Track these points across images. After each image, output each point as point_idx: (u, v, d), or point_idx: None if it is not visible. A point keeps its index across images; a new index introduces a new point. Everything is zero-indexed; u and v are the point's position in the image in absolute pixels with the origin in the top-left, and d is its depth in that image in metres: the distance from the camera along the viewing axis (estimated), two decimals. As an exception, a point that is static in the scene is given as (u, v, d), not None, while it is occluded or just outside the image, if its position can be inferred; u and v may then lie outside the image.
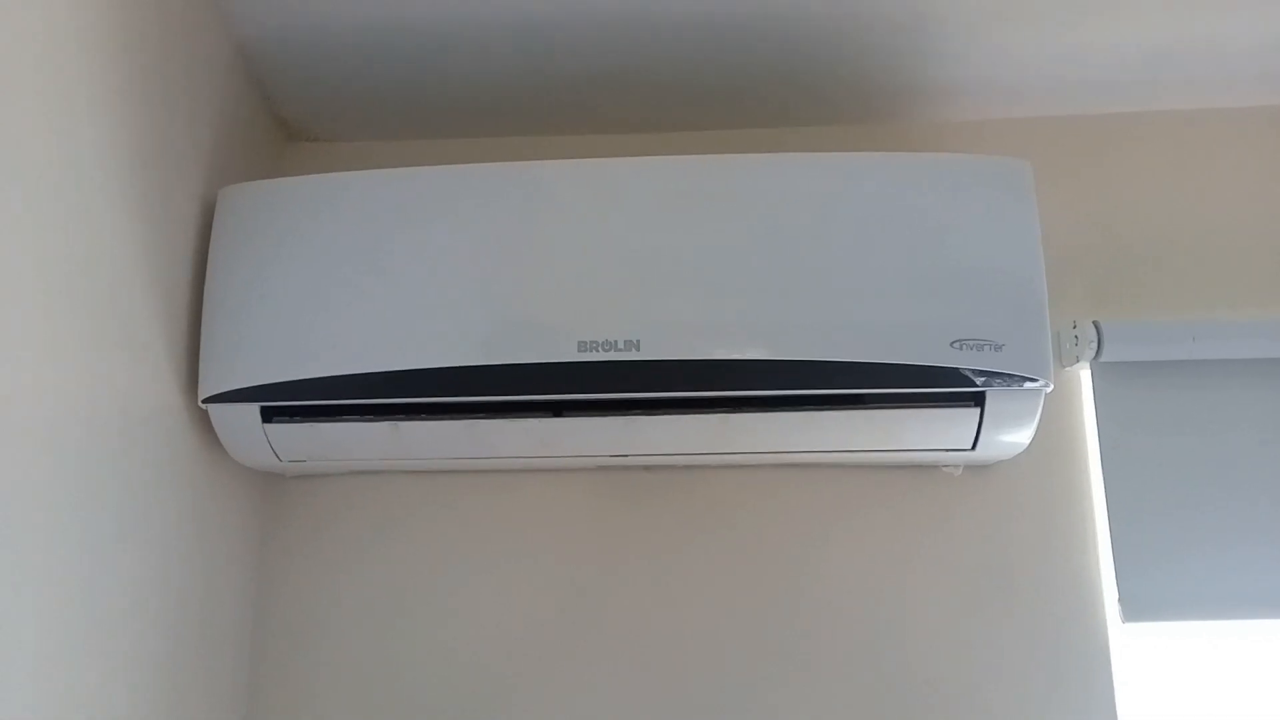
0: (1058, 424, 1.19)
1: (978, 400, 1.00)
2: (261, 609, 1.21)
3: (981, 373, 0.97)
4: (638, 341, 0.98)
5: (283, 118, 1.32)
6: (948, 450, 1.07)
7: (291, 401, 1.03)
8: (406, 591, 1.21)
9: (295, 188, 1.09)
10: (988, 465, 1.19)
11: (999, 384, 0.98)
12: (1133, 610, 1.11)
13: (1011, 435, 1.04)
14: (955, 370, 0.97)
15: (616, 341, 0.98)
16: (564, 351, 0.99)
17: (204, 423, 1.06)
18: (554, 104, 1.30)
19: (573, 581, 1.20)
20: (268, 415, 1.04)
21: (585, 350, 0.98)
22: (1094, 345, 1.13)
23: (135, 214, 0.96)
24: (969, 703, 1.13)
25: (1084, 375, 1.21)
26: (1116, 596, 1.12)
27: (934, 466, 1.20)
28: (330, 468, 1.21)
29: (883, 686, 1.14)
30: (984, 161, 1.05)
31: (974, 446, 1.05)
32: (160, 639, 1.00)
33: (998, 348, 0.97)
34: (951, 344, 0.97)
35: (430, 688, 1.17)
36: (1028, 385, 0.98)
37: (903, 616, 1.16)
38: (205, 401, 1.02)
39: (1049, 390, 0.99)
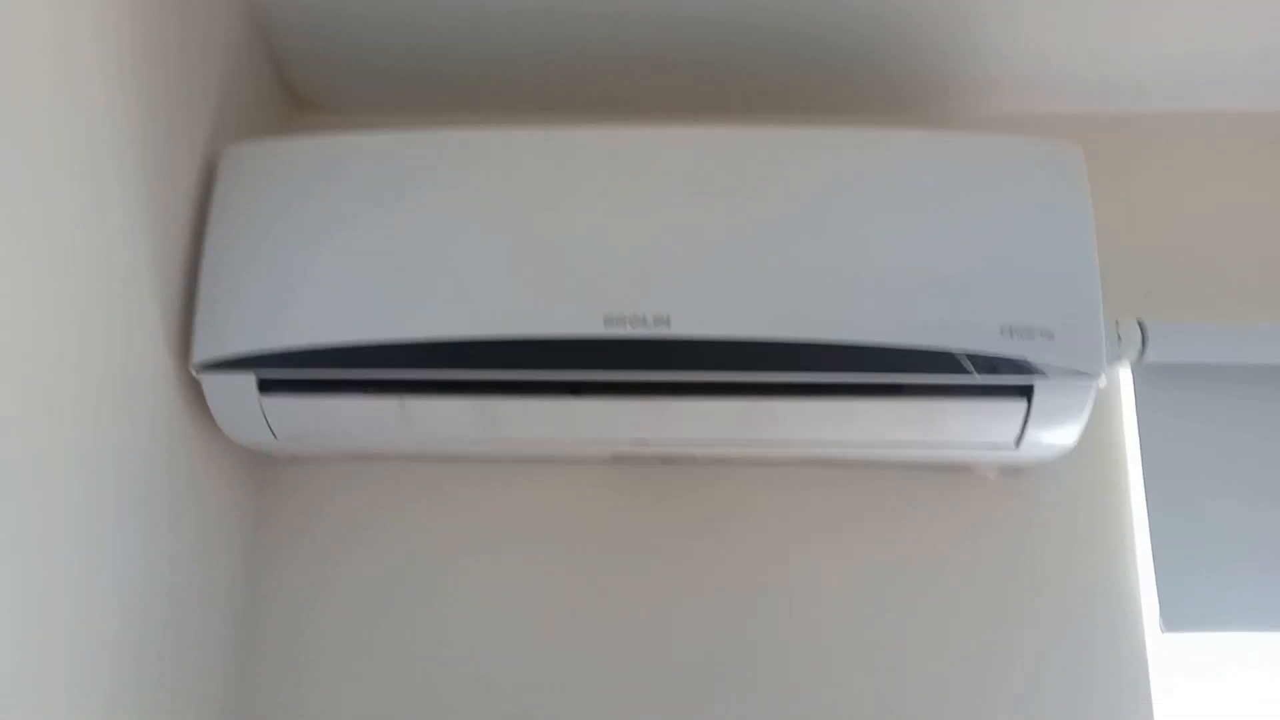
0: (1096, 427, 1.13)
1: (1025, 393, 0.94)
2: (253, 597, 1.14)
3: (1031, 364, 0.91)
4: (668, 317, 0.92)
5: (293, 85, 1.26)
6: (989, 446, 1.01)
7: (291, 372, 0.96)
8: (404, 583, 1.13)
9: (303, 149, 1.02)
10: (1023, 469, 1.13)
11: (1049, 376, 0.92)
12: (1173, 620, 1.06)
13: (1057, 433, 0.98)
14: (1003, 359, 0.91)
15: (645, 316, 0.92)
16: (589, 326, 0.92)
17: (196, 394, 0.99)
18: (576, 85, 1.25)
19: (582, 578, 1.13)
20: (265, 386, 0.97)
21: (612, 325, 0.92)
22: (1138, 345, 1.08)
23: (137, 169, 0.90)
24: (1002, 716, 1.06)
25: (1124, 376, 1.15)
26: (1157, 606, 1.06)
27: (968, 469, 1.14)
28: (327, 450, 1.14)
29: (909, 697, 1.07)
30: (1034, 144, 0.99)
31: (1017, 444, 0.99)
32: (145, 626, 0.93)
33: (1049, 336, 0.92)
34: (1000, 330, 0.92)
35: (426, 682, 1.10)
36: (1080, 380, 0.92)
37: (932, 623, 1.09)
38: (199, 369, 0.95)
39: (1102, 385, 0.93)
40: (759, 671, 1.09)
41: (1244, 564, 1.07)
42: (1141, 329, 1.08)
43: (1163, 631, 1.06)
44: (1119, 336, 1.09)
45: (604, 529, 1.14)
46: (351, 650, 1.11)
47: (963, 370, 0.92)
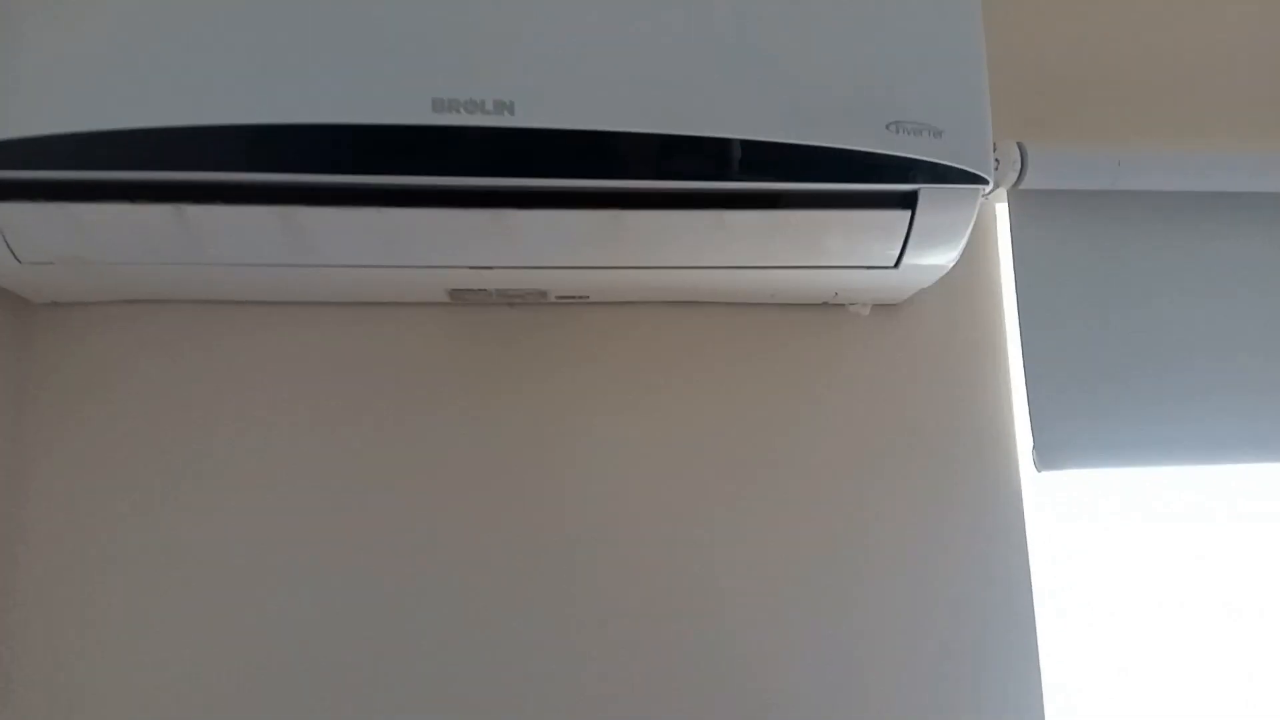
0: (970, 261, 1.07)
1: (909, 203, 0.85)
2: (16, 469, 0.94)
3: (918, 163, 0.82)
4: (511, 104, 0.77)
5: None
6: (868, 268, 0.92)
7: (32, 173, 0.76)
8: (197, 454, 0.96)
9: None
10: (896, 305, 1.06)
11: (935, 181, 0.83)
12: (1048, 458, 1.02)
13: (939, 251, 0.90)
14: (889, 160, 0.82)
15: (484, 102, 0.77)
16: (415, 111, 0.76)
17: (-97, 204, 0.77)
18: None
19: (416, 435, 0.98)
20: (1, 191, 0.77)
21: (442, 111, 0.76)
22: (1016, 168, 1.01)
23: None
24: (875, 553, 1.01)
25: (1000, 210, 1.10)
26: (1031, 444, 1.02)
27: (840, 307, 1.06)
28: (97, 289, 0.94)
29: (778, 539, 1.00)
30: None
31: (897, 263, 0.91)
32: None
33: (936, 134, 0.82)
34: (887, 126, 0.82)
35: (223, 549, 0.94)
36: (965, 188, 0.84)
37: (803, 465, 1.02)
38: (-98, 165, 0.74)
39: (988, 193, 0.85)
40: (621, 527, 0.98)
41: (1120, 400, 1.04)
42: (1021, 151, 1.01)
43: (1038, 470, 1.02)
44: (996, 160, 1.03)
45: (442, 379, 1.00)
46: (132, 538, 0.93)
47: (845, 175, 0.82)
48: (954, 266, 0.99)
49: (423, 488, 0.97)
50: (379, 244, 0.84)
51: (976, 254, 1.08)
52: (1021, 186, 1.02)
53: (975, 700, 0.99)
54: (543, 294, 0.98)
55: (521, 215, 0.82)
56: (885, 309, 1.06)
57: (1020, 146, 1.01)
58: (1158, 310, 1.07)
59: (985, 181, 0.84)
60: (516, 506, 0.98)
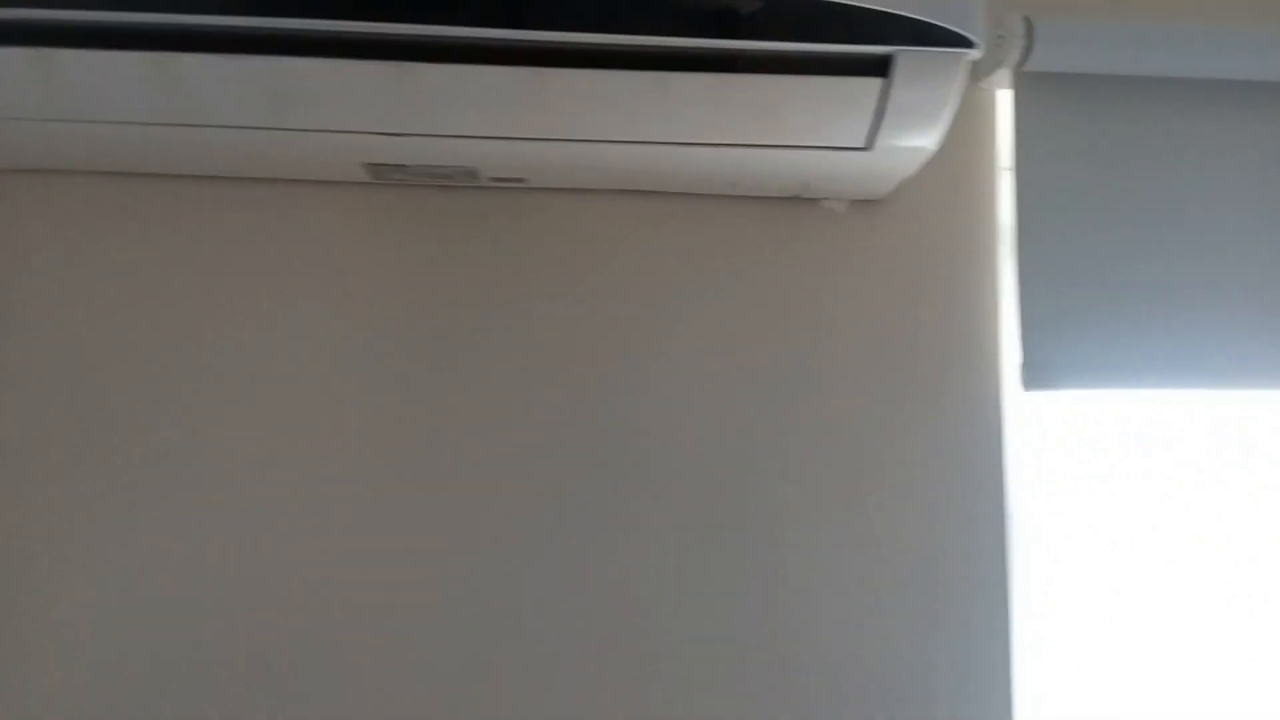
0: (962, 155, 0.95)
1: (883, 68, 0.73)
2: None
3: (894, 19, 0.70)
4: (412, -73, 0.66)
5: None
6: (837, 149, 0.81)
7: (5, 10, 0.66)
8: (91, 349, 0.87)
9: None
10: (876, 202, 0.95)
11: (914, 43, 0.71)
12: (1037, 377, 0.91)
13: (919, 129, 0.78)
14: (860, 14, 0.70)
15: (379, -68, 0.66)
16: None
17: None
18: None
19: (333, 331, 0.89)
20: None
21: (332, -59, 0.66)
22: (1021, 45, 0.88)
23: None
24: (844, 465, 0.91)
25: (1001, 98, 0.97)
26: (1019, 360, 0.91)
27: (813, 203, 0.94)
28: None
29: (745, 452, 0.90)
30: None
31: (870, 143, 0.79)
32: None
33: (917, -15, 0.71)
34: (856, -27, 0.70)
35: (123, 435, 0.86)
36: (948, 52, 0.72)
37: (768, 373, 0.92)
38: None
39: (976, 58, 0.73)
40: (580, 442, 0.89)
41: (1122, 316, 0.92)
42: (1028, 26, 0.88)
43: (1024, 390, 0.91)
44: (999, 37, 0.90)
45: (363, 265, 0.90)
46: (37, 429, 0.86)
47: (808, 33, 0.70)
48: (945, 160, 0.88)
49: (342, 375, 0.89)
50: (266, 102, 0.74)
51: (970, 146, 0.96)
52: (1026, 67, 0.89)
53: (944, 617, 0.90)
54: (473, 174, 0.87)
55: (430, 71, 0.71)
56: (864, 206, 0.94)
57: (1027, 20, 0.88)
58: (1175, 218, 0.94)
59: (972, 45, 0.72)
60: (444, 408, 0.89)
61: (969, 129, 0.95)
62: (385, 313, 0.90)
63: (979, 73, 0.93)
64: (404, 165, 0.85)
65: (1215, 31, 0.90)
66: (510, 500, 0.88)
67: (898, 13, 0.70)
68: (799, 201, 0.94)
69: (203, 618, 0.85)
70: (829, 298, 0.93)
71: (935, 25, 0.71)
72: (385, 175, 0.88)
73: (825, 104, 0.76)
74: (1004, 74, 0.92)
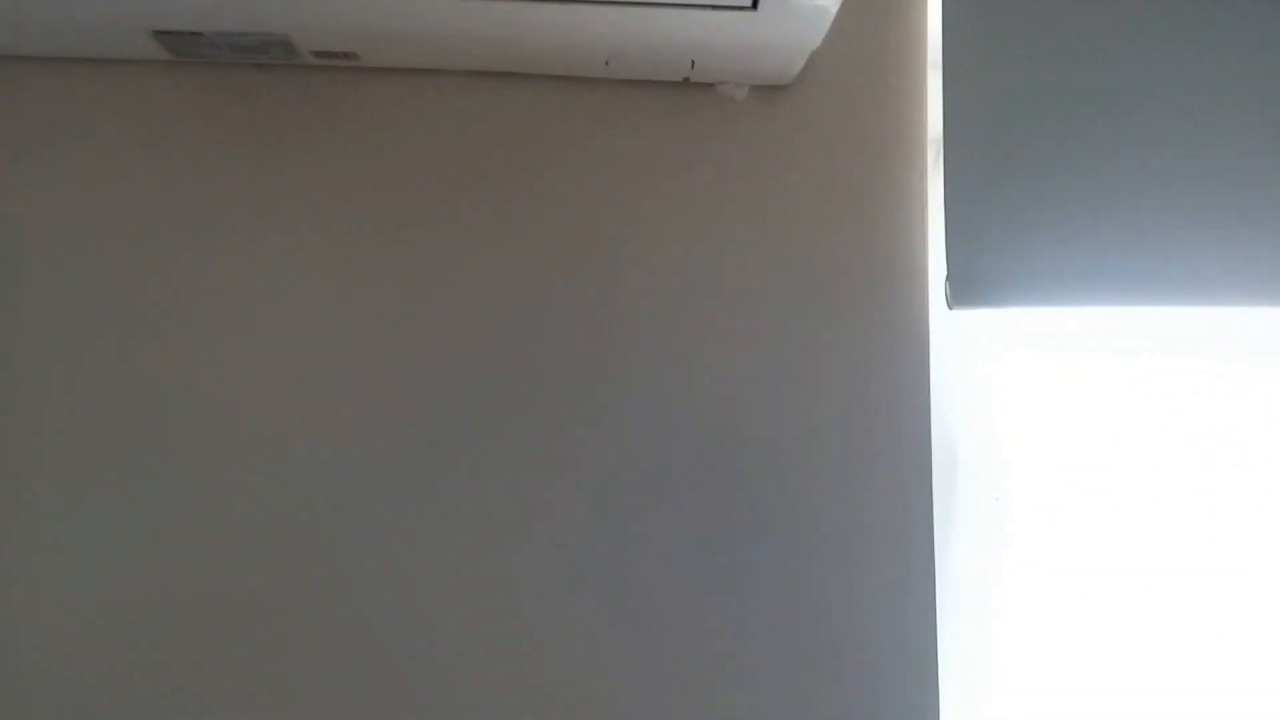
0: (884, 38, 0.81)
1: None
2: None
3: None
4: None
5: None
6: (718, 8, 0.66)
7: None
8: None
9: None
10: (781, 89, 0.81)
11: None
12: (964, 294, 0.78)
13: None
14: None
15: None
16: None
17: None
18: None
19: (121, 247, 0.75)
20: None
21: None
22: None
23: None
24: (757, 386, 0.79)
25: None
26: (945, 275, 0.78)
27: (707, 88, 0.80)
28: None
29: (622, 374, 0.78)
30: None
31: (754, 3, 0.65)
32: None
33: None
34: None
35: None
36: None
37: (660, 300, 0.78)
38: None
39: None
40: (409, 353, 0.76)
41: (1060, 226, 0.79)
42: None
43: (950, 307, 0.78)
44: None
45: (164, 152, 0.76)
46: None
47: None
48: (868, 56, 0.76)
49: (129, 287, 0.75)
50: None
51: (893, 27, 0.82)
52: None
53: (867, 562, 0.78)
54: (289, 47, 0.72)
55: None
56: (767, 93, 0.80)
57: None
58: (1119, 119, 0.80)
59: None
60: (285, 317, 0.75)
61: (894, 22, 0.81)
62: (189, 214, 0.75)
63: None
64: (200, 33, 0.70)
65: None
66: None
67: None
68: (690, 87, 0.79)
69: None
70: (723, 196, 0.79)
71: None
72: (183, 49, 0.73)
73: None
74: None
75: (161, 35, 0.71)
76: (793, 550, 0.78)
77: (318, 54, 0.74)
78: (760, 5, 0.65)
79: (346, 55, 0.74)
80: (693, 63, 0.76)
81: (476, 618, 0.75)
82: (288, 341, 0.75)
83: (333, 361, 0.75)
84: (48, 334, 0.74)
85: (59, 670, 0.72)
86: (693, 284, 0.79)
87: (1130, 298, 0.80)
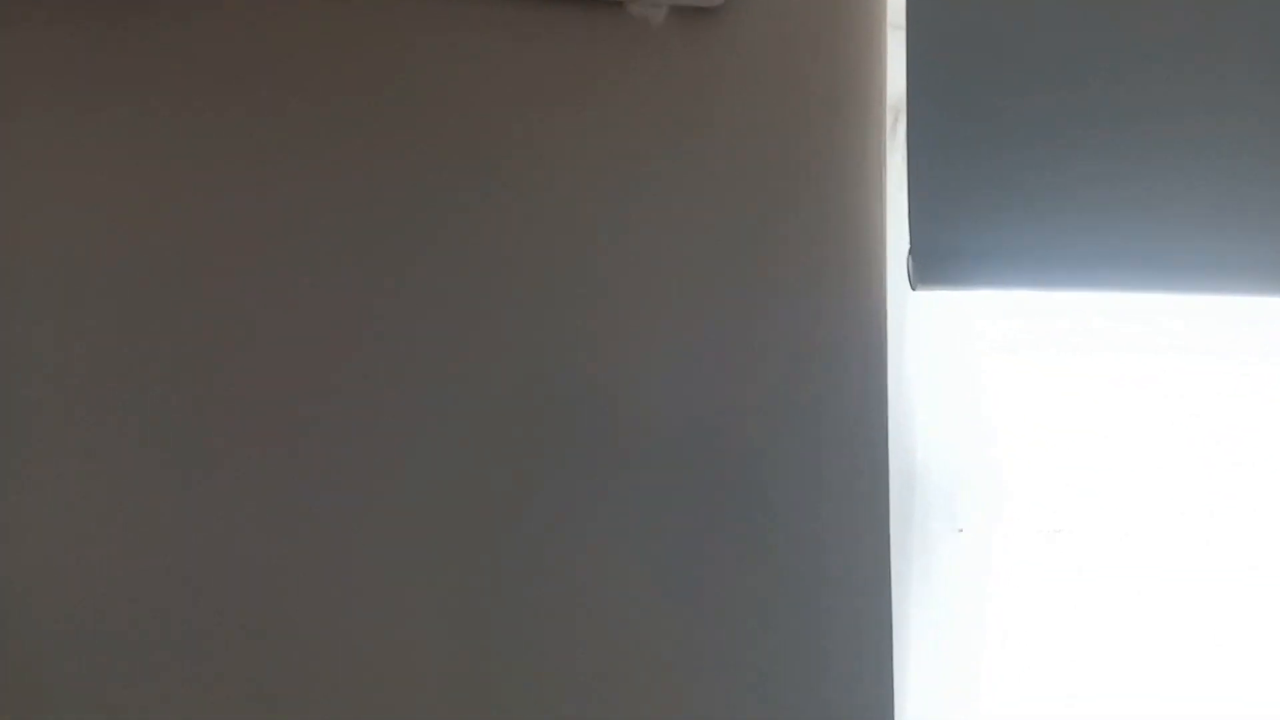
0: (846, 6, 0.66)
1: None
2: None
3: None
4: None
5: None
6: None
7: None
8: None
9: None
10: (709, 10, 0.64)
11: None
12: (928, 272, 0.65)
13: None
14: None
15: None
16: None
17: None
18: None
19: None
20: None
21: None
22: None
23: None
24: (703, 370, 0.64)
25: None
26: (908, 250, 0.65)
27: (615, 7, 0.63)
28: None
29: (527, 342, 0.62)
30: None
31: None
32: None
33: None
34: None
35: None
36: None
37: (562, 274, 0.63)
38: None
39: None
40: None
41: (1034, 201, 0.66)
42: None
43: (913, 288, 0.66)
44: None
45: None
46: None
47: None
48: (822, 16, 0.61)
49: None
50: None
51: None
52: None
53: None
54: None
55: None
56: (691, 16, 0.64)
57: None
58: (1105, 85, 0.68)
59: None
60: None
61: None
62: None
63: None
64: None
65: None
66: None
67: None
68: (594, 4, 0.62)
69: None
70: (638, 151, 0.64)
71: None
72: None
73: None
74: None
75: None
76: (748, 545, 0.64)
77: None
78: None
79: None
80: (599, -31, 0.59)
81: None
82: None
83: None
84: None
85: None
86: (589, 245, 0.64)
87: (1116, 281, 0.68)
